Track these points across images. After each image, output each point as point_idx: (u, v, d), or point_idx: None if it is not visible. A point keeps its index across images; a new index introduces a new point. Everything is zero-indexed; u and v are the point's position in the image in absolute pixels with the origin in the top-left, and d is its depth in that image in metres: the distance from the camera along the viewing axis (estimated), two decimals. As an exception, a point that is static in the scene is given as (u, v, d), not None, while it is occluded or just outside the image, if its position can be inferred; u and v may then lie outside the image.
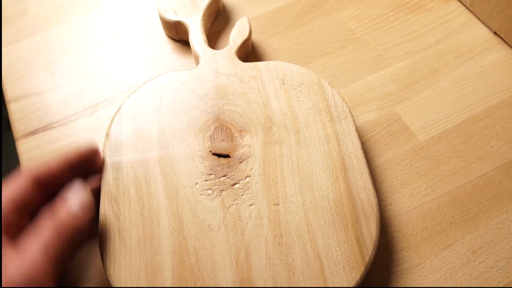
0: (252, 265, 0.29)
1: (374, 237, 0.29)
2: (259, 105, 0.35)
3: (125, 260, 0.29)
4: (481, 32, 0.45)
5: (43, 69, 0.43)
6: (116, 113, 0.35)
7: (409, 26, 0.46)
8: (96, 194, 0.31)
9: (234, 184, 0.32)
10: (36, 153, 0.38)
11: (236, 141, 0.34)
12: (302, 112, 0.35)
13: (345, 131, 0.34)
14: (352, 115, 0.35)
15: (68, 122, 0.40)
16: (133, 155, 0.33)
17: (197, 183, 0.32)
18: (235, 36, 0.40)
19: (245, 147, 0.33)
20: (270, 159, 0.33)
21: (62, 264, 0.26)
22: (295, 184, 0.32)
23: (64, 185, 0.29)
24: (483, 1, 0.44)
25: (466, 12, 0.46)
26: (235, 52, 0.39)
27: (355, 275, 0.28)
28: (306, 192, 0.31)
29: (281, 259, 0.29)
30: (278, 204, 0.31)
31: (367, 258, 0.29)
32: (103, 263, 0.29)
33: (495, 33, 0.44)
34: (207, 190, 0.31)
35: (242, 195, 0.31)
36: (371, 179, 0.32)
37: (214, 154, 0.33)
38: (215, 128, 0.34)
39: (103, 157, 0.33)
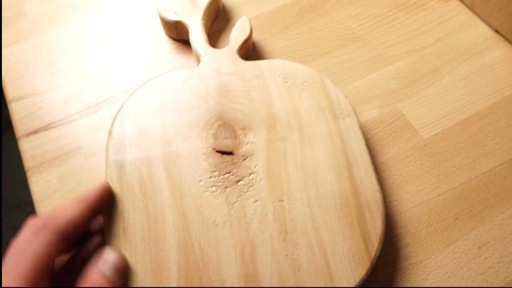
0: (258, 261, 0.28)
1: (379, 232, 0.29)
2: (262, 103, 0.35)
3: (130, 257, 0.29)
4: (482, 30, 0.45)
5: (43, 69, 0.43)
6: (118, 111, 0.35)
7: (408, 25, 0.46)
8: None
9: (238, 181, 0.32)
10: (38, 151, 0.38)
11: (240, 138, 0.34)
12: (305, 110, 0.35)
13: (348, 128, 0.34)
14: (355, 112, 0.35)
15: (69, 121, 0.40)
16: (136, 153, 0.33)
17: (201, 180, 0.31)
18: (236, 35, 0.40)
19: (248, 144, 0.33)
20: (274, 156, 0.33)
21: None
22: (299, 181, 0.31)
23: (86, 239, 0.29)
24: (483, -1, 0.44)
25: (466, 11, 0.46)
26: (236, 51, 0.39)
27: (361, 271, 0.28)
28: (310, 189, 0.31)
29: (287, 255, 0.29)
30: (282, 201, 0.31)
31: (372, 254, 0.29)
32: (108, 261, 0.29)
33: (497, 31, 0.44)
34: (212, 187, 0.31)
35: (247, 192, 0.31)
36: (375, 175, 0.32)
37: (217, 151, 0.33)
38: (218, 126, 0.34)
39: (106, 155, 0.33)
